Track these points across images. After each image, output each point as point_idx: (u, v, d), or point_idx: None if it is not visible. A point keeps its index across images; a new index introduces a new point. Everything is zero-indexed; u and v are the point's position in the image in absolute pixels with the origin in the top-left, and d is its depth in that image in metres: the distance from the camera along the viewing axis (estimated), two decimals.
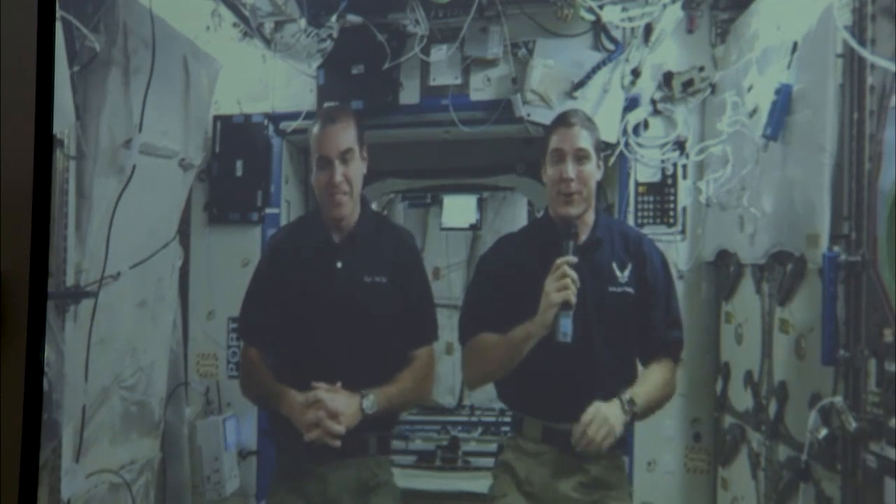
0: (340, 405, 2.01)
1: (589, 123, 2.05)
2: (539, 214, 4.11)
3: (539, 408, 2.00)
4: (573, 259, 1.90)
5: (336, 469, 2.08)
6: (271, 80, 2.74)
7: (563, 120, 2.05)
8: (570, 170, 1.97)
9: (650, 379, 2.02)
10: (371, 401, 2.03)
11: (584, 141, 1.99)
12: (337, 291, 2.12)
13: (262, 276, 2.26)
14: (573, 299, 1.87)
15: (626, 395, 1.94)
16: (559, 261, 1.89)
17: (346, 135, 2.14)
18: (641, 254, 2.04)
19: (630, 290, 2.00)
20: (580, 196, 1.98)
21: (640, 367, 2.09)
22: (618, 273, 2.02)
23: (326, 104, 2.62)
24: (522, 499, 1.99)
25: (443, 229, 4.45)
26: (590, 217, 2.04)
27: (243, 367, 2.29)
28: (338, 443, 2.01)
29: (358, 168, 2.16)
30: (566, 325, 1.86)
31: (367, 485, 2.11)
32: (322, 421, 2.00)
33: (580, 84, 2.53)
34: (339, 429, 2.00)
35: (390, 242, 2.22)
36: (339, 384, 2.04)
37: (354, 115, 2.22)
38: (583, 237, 2.02)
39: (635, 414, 1.96)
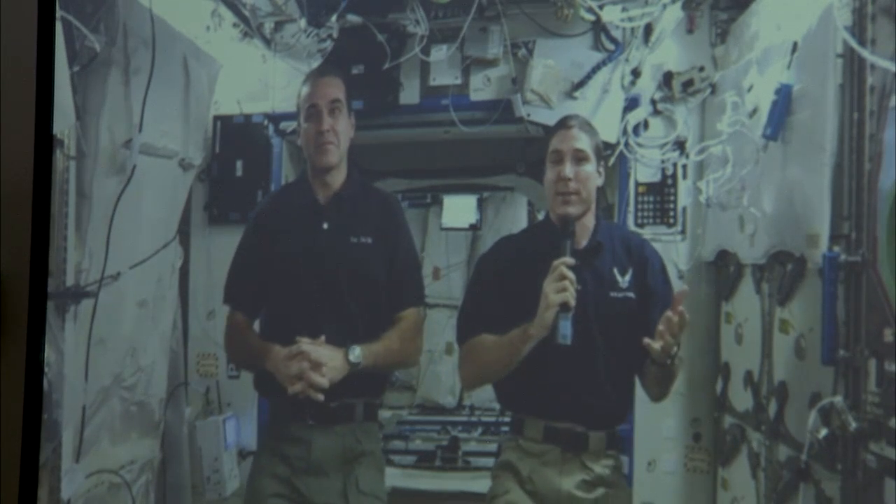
0: (324, 356, 2.01)
1: (588, 127, 2.05)
2: (540, 216, 4.13)
3: (540, 407, 2.00)
4: (571, 260, 1.89)
5: (321, 434, 2.09)
6: (271, 80, 2.74)
7: (562, 123, 2.06)
8: (568, 169, 1.97)
9: None
10: (357, 353, 2.03)
11: (582, 143, 1.99)
12: (323, 252, 2.12)
13: (249, 241, 2.25)
14: (572, 301, 1.86)
15: None
16: (556, 262, 1.88)
17: (335, 88, 2.16)
18: (643, 258, 2.03)
19: (631, 294, 2.00)
20: (578, 197, 1.98)
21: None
22: (619, 278, 2.01)
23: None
24: (525, 496, 1.98)
25: (443, 229, 4.45)
26: (590, 221, 2.04)
27: (228, 331, 2.26)
28: (321, 396, 2.00)
29: (345, 126, 2.16)
30: (566, 328, 1.85)
31: (352, 452, 2.11)
32: (305, 372, 1.99)
33: (580, 84, 2.53)
34: (322, 381, 1.99)
35: (376, 204, 2.22)
36: (322, 338, 2.03)
37: (343, 77, 2.22)
38: (584, 242, 2.02)
39: None
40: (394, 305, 2.15)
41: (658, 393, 2.06)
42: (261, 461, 2.22)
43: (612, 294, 1.99)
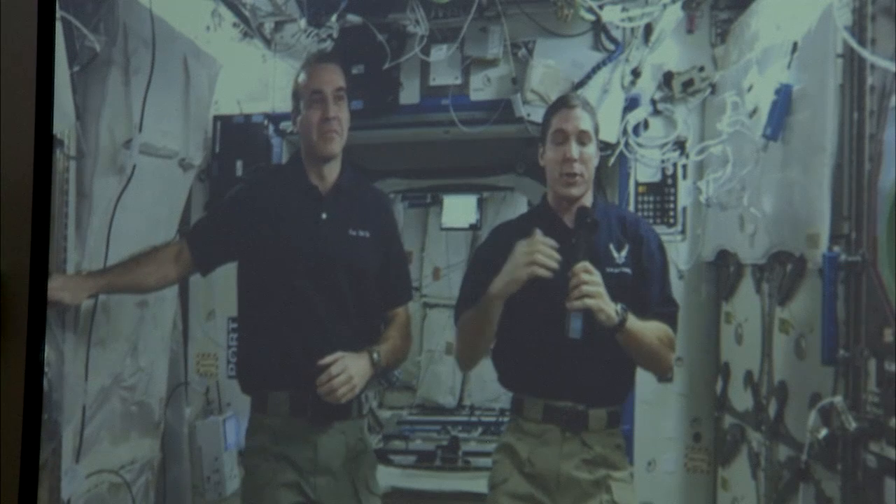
0: (352, 368, 1.96)
1: (589, 107, 2.04)
2: None
3: (540, 386, 2.00)
4: (549, 240, 1.86)
5: (324, 434, 2.04)
6: (271, 80, 2.75)
7: (565, 101, 2.04)
8: (574, 150, 1.96)
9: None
10: (380, 356, 2.02)
11: (586, 123, 1.98)
12: (321, 242, 2.07)
13: (234, 205, 2.17)
14: (539, 273, 1.83)
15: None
16: (537, 237, 1.87)
17: (338, 76, 2.10)
18: (639, 236, 2.03)
19: (627, 270, 1.99)
20: (582, 178, 1.98)
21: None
22: (615, 254, 2.00)
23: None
24: (524, 481, 1.97)
25: (443, 229, 4.45)
26: (588, 200, 2.04)
27: (162, 249, 2.11)
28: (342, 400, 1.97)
29: (346, 116, 2.10)
30: (576, 323, 1.85)
31: (355, 450, 2.08)
32: (337, 389, 1.94)
33: (580, 84, 2.53)
34: (353, 394, 1.97)
35: (371, 199, 2.20)
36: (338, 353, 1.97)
37: (341, 65, 2.16)
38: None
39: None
40: (388, 302, 2.15)
41: (655, 366, 2.02)
42: (261, 469, 2.08)
43: (609, 270, 1.98)
